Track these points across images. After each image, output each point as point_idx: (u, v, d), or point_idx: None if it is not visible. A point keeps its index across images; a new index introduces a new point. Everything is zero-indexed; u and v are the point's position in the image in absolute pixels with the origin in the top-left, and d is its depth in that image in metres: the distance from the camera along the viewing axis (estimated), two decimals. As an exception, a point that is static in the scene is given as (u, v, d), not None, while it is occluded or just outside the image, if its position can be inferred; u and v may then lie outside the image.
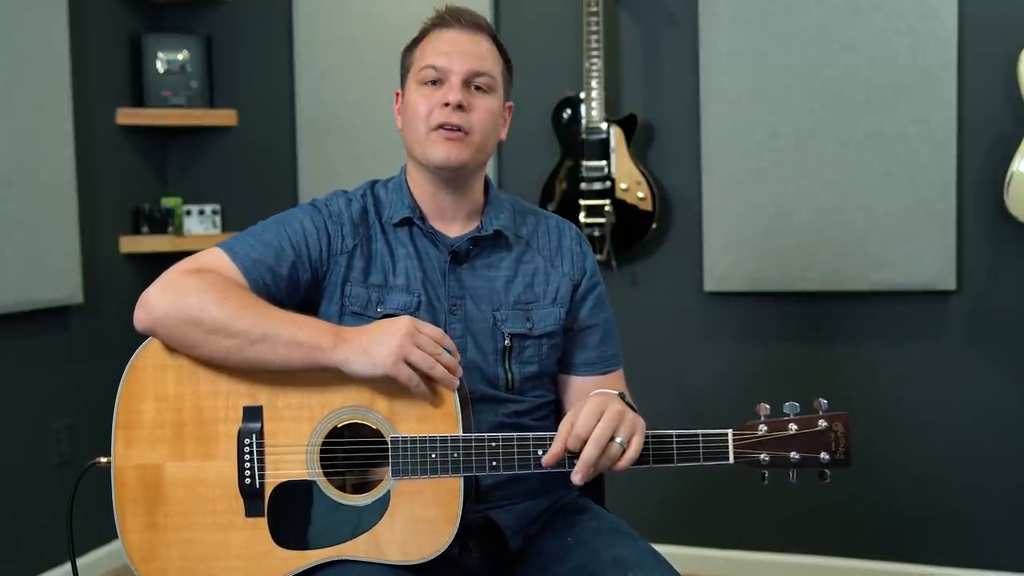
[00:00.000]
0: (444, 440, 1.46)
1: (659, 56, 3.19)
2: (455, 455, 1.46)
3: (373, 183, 1.76)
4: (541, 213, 1.82)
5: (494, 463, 1.46)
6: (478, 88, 1.66)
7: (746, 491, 3.04)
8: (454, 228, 1.71)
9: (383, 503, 1.48)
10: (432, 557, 1.47)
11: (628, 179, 3.11)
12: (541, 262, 1.74)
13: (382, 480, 1.50)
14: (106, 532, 2.72)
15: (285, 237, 1.63)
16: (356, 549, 1.48)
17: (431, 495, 1.47)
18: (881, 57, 2.93)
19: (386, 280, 1.65)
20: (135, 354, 1.54)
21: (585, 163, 3.11)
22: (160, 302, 1.50)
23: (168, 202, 3.59)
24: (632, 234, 3.14)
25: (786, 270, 3.05)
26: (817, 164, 3.00)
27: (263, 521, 1.50)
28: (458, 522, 1.47)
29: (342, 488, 1.51)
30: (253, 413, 1.51)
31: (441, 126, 1.63)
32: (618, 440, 1.43)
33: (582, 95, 3.11)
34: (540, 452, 1.47)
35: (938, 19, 2.88)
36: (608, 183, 3.11)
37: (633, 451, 1.44)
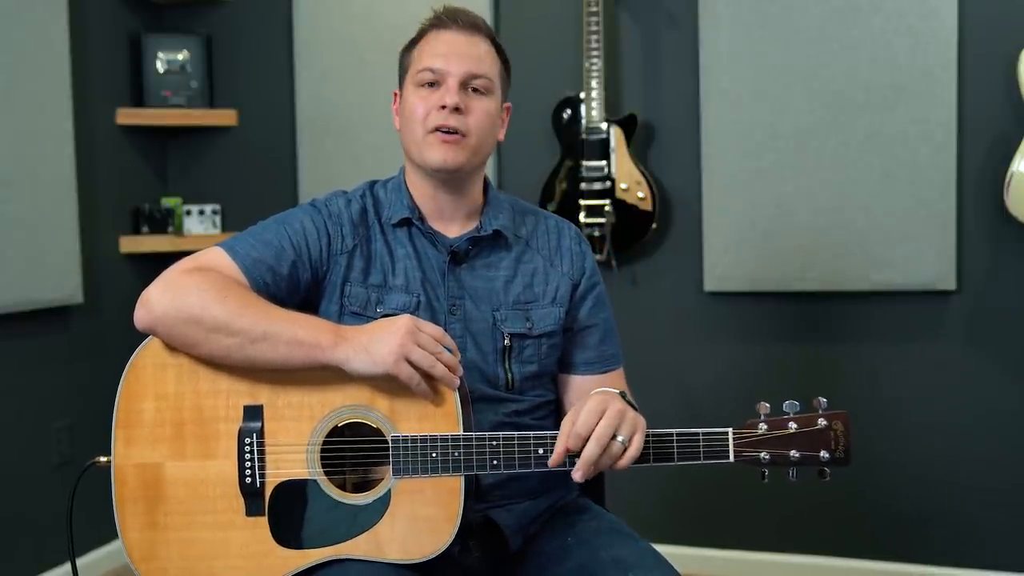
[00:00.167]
0: (445, 439, 1.47)
1: (659, 56, 3.19)
2: (456, 454, 1.46)
3: (372, 183, 1.76)
4: (540, 213, 1.82)
5: (495, 462, 1.47)
6: (475, 90, 1.66)
7: (746, 491, 3.04)
8: (453, 228, 1.71)
9: (384, 502, 1.48)
10: (432, 556, 1.47)
11: (628, 179, 3.11)
12: (540, 262, 1.74)
13: (383, 479, 1.50)
14: (106, 532, 2.72)
15: (285, 237, 1.63)
16: (356, 548, 1.48)
17: (432, 494, 1.47)
18: (881, 57, 2.93)
19: (385, 280, 1.66)
20: (135, 353, 1.54)
21: (585, 163, 3.11)
22: (160, 301, 1.50)
23: (168, 202, 3.59)
24: (632, 234, 3.14)
25: (786, 270, 3.05)
26: (817, 164, 3.00)
27: (263, 520, 1.50)
28: (459, 521, 1.47)
29: (342, 487, 1.51)
30: (253, 412, 1.51)
31: (438, 129, 1.63)
32: (619, 438, 1.43)
33: (582, 95, 3.11)
34: (541, 451, 1.47)
35: (938, 19, 2.88)
36: (608, 183, 3.11)
37: (634, 450, 1.44)
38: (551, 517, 1.70)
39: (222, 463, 1.51)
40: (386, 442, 1.48)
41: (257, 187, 3.59)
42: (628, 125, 3.11)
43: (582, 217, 3.10)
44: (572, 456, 1.45)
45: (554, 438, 1.46)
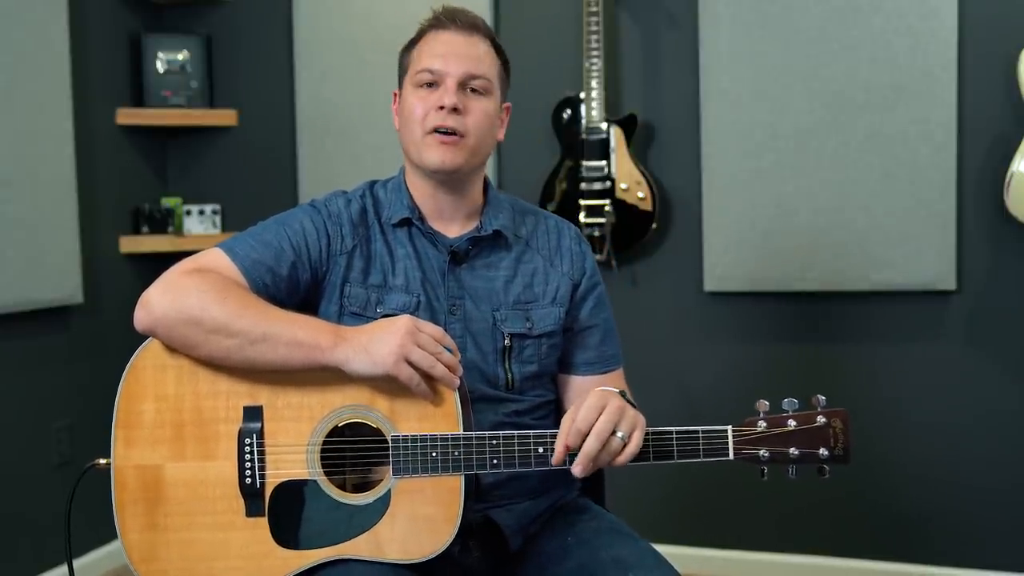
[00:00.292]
0: (445, 439, 1.47)
1: (659, 56, 3.19)
2: (456, 454, 1.46)
3: (372, 183, 1.76)
4: (540, 213, 1.82)
5: (495, 461, 1.47)
6: (474, 90, 1.66)
7: (746, 491, 3.04)
8: (453, 228, 1.72)
9: (384, 502, 1.48)
10: (433, 556, 1.47)
11: (628, 179, 3.11)
12: (540, 262, 1.74)
13: (383, 479, 1.50)
14: (106, 532, 2.71)
15: (285, 237, 1.63)
16: (357, 548, 1.48)
17: (432, 494, 1.47)
18: (881, 57, 2.93)
19: (385, 280, 1.66)
20: (135, 354, 1.54)
21: (585, 163, 3.11)
22: (160, 302, 1.50)
23: (168, 202, 3.59)
24: (632, 234, 3.14)
25: (786, 270, 3.05)
26: (817, 164, 3.00)
27: (263, 521, 1.50)
28: (459, 521, 1.47)
29: (343, 487, 1.51)
30: (253, 413, 1.51)
31: (436, 130, 1.63)
32: (619, 434, 1.43)
33: (582, 95, 3.11)
34: (541, 450, 1.47)
35: (938, 19, 2.88)
36: (608, 183, 3.11)
37: (634, 446, 1.44)
38: (551, 517, 1.70)
39: (222, 464, 1.51)
40: (386, 442, 1.48)
41: (257, 187, 3.59)
42: (628, 125, 3.11)
43: (582, 217, 3.10)
44: (572, 453, 1.45)
45: (554, 437, 1.46)
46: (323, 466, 1.50)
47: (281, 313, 1.51)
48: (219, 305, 1.48)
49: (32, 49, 3.00)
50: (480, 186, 1.75)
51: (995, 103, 2.87)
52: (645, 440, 1.46)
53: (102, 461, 1.57)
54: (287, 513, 1.50)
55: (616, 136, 3.10)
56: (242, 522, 1.50)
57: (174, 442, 1.52)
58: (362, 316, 1.63)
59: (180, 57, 3.52)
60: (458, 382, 1.48)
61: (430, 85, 1.65)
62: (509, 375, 1.66)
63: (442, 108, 1.62)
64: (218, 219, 3.61)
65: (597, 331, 1.77)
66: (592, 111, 3.08)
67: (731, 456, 1.48)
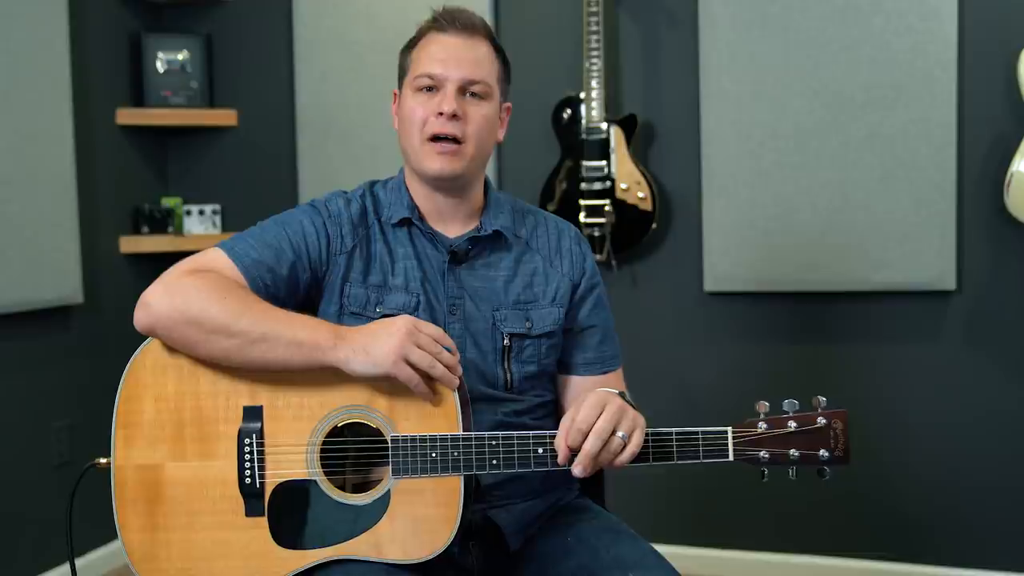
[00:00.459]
0: (444, 439, 1.46)
1: (659, 56, 3.19)
2: (455, 454, 1.46)
3: (372, 183, 1.76)
4: (540, 213, 1.82)
5: (494, 462, 1.46)
6: (473, 95, 1.65)
7: (746, 491, 3.04)
8: (453, 228, 1.71)
9: (383, 502, 1.48)
10: (432, 556, 1.47)
11: (628, 179, 3.11)
12: (540, 262, 1.74)
13: (382, 479, 1.50)
14: (106, 532, 2.72)
15: (285, 237, 1.63)
16: (356, 548, 1.48)
17: (431, 494, 1.47)
18: (881, 57, 2.93)
19: (385, 280, 1.66)
20: (135, 354, 1.54)
21: (585, 163, 3.11)
22: (160, 302, 1.50)
23: (168, 202, 3.59)
24: (632, 234, 3.14)
25: (786, 270, 3.05)
26: (817, 164, 3.00)
27: (263, 521, 1.50)
28: (458, 521, 1.47)
29: (342, 487, 1.51)
30: (253, 413, 1.51)
31: (435, 136, 1.63)
32: (619, 434, 1.43)
33: (582, 95, 3.11)
34: (540, 450, 1.47)
35: (938, 19, 2.88)
36: (608, 183, 3.11)
37: (634, 446, 1.44)
38: (551, 517, 1.70)
39: (222, 464, 1.51)
40: (386, 442, 1.48)
41: (257, 187, 3.59)
42: (628, 125, 3.11)
43: (582, 217, 3.10)
44: (572, 453, 1.45)
45: (554, 437, 1.46)
46: (323, 466, 1.50)
47: (281, 313, 1.51)
48: (219, 305, 1.48)
49: (32, 49, 3.01)
50: (480, 188, 1.75)
51: (995, 103, 2.87)
52: (645, 441, 1.46)
53: (102, 461, 1.57)
54: (287, 513, 1.50)
55: (616, 136, 3.10)
56: (242, 522, 1.50)
57: (174, 442, 1.52)
58: (362, 316, 1.63)
59: (180, 57, 3.52)
60: (457, 382, 1.48)
61: (429, 89, 1.65)
62: (508, 375, 1.66)
63: (441, 114, 1.62)
64: (218, 219, 3.61)
65: (596, 332, 1.77)
66: (592, 111, 3.08)
67: (731, 457, 1.48)
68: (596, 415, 1.43)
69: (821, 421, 1.47)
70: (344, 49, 3.43)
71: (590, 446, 1.42)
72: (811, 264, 3.02)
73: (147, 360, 1.53)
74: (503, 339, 1.67)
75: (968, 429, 2.97)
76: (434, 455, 1.46)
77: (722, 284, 3.13)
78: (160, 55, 3.51)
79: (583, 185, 3.11)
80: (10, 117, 2.93)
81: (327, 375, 1.48)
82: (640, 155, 3.18)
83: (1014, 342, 2.92)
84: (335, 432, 1.51)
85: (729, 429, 1.48)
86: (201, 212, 3.59)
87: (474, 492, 1.51)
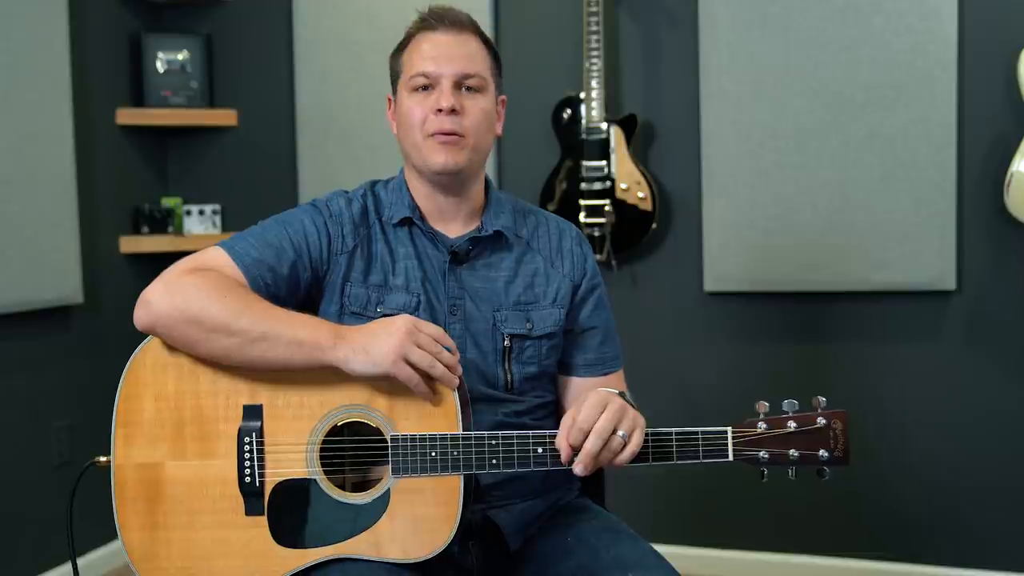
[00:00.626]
0: (444, 438, 1.46)
1: (659, 56, 3.19)
2: (455, 453, 1.46)
3: (373, 183, 1.76)
4: (541, 213, 1.82)
5: (494, 461, 1.46)
6: (469, 89, 1.66)
7: (746, 491, 3.04)
8: (454, 228, 1.72)
9: (383, 502, 1.48)
10: (432, 555, 1.47)
11: (628, 179, 3.11)
12: (541, 263, 1.74)
13: (382, 479, 1.50)
14: (106, 532, 2.72)
15: (286, 237, 1.63)
16: (356, 547, 1.48)
17: (431, 494, 1.47)
18: (881, 57, 2.93)
19: (386, 280, 1.66)
20: (135, 352, 1.54)
21: (585, 163, 3.11)
22: (160, 301, 1.50)
23: (168, 202, 3.59)
24: (632, 234, 3.14)
25: (786, 270, 3.05)
26: (817, 164, 3.00)
27: (263, 520, 1.50)
28: (458, 521, 1.47)
29: (342, 487, 1.51)
30: (253, 412, 1.51)
31: (436, 133, 1.63)
32: (620, 433, 1.43)
33: (582, 95, 3.11)
34: (540, 450, 1.47)
35: (938, 19, 2.88)
36: (608, 183, 3.11)
37: (634, 445, 1.44)
38: (551, 517, 1.70)
39: (222, 463, 1.51)
40: (385, 441, 1.48)
41: (257, 187, 3.59)
42: (628, 125, 3.11)
43: (582, 217, 3.10)
44: (573, 452, 1.45)
45: (554, 437, 1.46)
46: (322, 465, 1.50)
47: (281, 312, 1.51)
48: (219, 304, 1.48)
49: (32, 49, 3.01)
50: (481, 186, 1.75)
51: (995, 103, 2.87)
52: (645, 441, 1.46)
53: (102, 459, 1.57)
54: (286, 512, 1.50)
55: (616, 136, 3.10)
56: (242, 521, 1.50)
57: (174, 441, 1.52)
58: (362, 316, 1.63)
59: (180, 57, 3.52)
60: (457, 382, 1.48)
61: (425, 88, 1.66)
62: (509, 376, 1.66)
63: (440, 111, 1.63)
64: (218, 219, 3.61)
65: (597, 332, 1.77)
66: (592, 111, 3.08)
67: (730, 458, 1.48)
68: (597, 414, 1.43)
69: (821, 421, 1.47)
70: (344, 49, 3.43)
71: (591, 445, 1.42)
72: (811, 264, 3.02)
73: (147, 359, 1.54)
74: (503, 340, 1.67)
75: (968, 429, 2.97)
76: (434, 454, 1.46)
77: (722, 284, 3.13)
78: (160, 55, 3.51)
79: (583, 185, 3.11)
80: (10, 117, 2.93)
81: (327, 374, 1.48)
82: (640, 155, 3.18)
83: (1014, 342, 2.92)
84: (335, 431, 1.51)
85: (729, 429, 1.48)
86: (201, 212, 3.59)
87: (474, 492, 1.51)
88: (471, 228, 1.71)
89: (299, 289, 1.63)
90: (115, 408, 1.53)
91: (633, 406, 1.52)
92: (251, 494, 1.50)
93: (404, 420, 1.48)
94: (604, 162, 3.10)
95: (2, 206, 2.90)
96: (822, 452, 1.47)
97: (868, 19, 2.94)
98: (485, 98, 1.68)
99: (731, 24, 3.06)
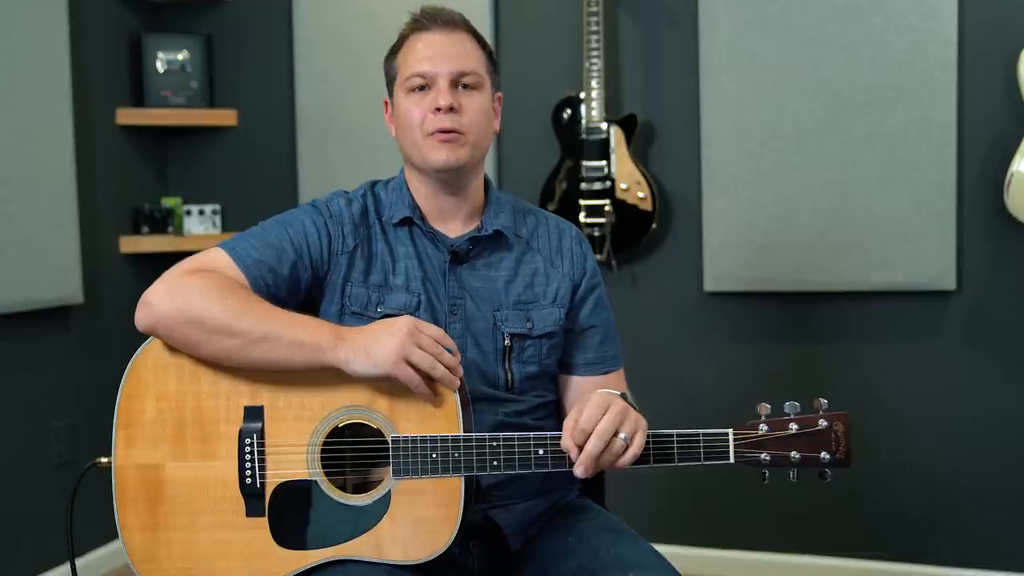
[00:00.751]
0: (445, 440, 1.46)
1: (659, 56, 3.19)
2: (456, 455, 1.46)
3: (373, 183, 1.77)
4: (541, 213, 1.82)
5: (495, 463, 1.46)
6: (465, 86, 1.66)
7: (746, 491, 3.04)
8: (454, 228, 1.72)
9: (384, 503, 1.48)
10: (433, 557, 1.47)
11: (628, 179, 3.11)
12: (541, 262, 1.74)
13: (383, 480, 1.50)
14: (106, 532, 2.72)
15: (286, 237, 1.63)
16: (357, 549, 1.48)
17: (432, 495, 1.47)
18: (881, 57, 2.93)
19: (386, 280, 1.66)
20: (136, 353, 1.54)
21: (585, 163, 3.11)
22: (162, 302, 1.50)
23: (168, 202, 3.59)
24: (632, 234, 3.14)
25: (786, 270, 3.05)
26: (817, 164, 3.00)
27: (264, 521, 1.50)
28: (459, 522, 1.47)
29: (343, 488, 1.51)
30: (254, 413, 1.51)
31: (435, 131, 1.63)
32: (622, 436, 1.43)
33: (582, 95, 3.11)
34: (541, 451, 1.47)
35: (938, 19, 2.88)
36: (608, 183, 3.11)
37: (636, 447, 1.44)
38: (552, 517, 1.70)
39: (223, 464, 1.51)
40: (386, 443, 1.48)
41: (257, 187, 3.59)
42: (628, 125, 3.11)
43: (582, 217, 3.10)
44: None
45: (555, 439, 1.46)
46: (323, 467, 1.50)
47: (282, 313, 1.51)
48: (220, 305, 1.48)
49: (32, 49, 3.00)
50: (481, 185, 1.75)
51: (995, 103, 2.87)
52: (646, 443, 1.46)
53: (103, 460, 1.57)
54: (287, 513, 1.50)
55: (616, 136, 3.10)
56: (242, 522, 1.50)
57: (175, 441, 1.52)
58: (363, 316, 1.63)
59: (180, 57, 3.52)
60: (458, 383, 1.48)
61: (422, 88, 1.66)
62: (509, 375, 1.67)
63: (438, 110, 1.63)
64: (218, 219, 3.61)
65: (597, 332, 1.77)
66: (592, 111, 3.08)
67: (732, 460, 1.48)
68: (599, 416, 1.43)
69: (822, 423, 1.47)
70: (344, 49, 3.43)
71: (592, 447, 1.42)
72: (811, 264, 3.02)
73: (148, 359, 1.53)
74: (504, 339, 1.67)
75: (968, 429, 2.97)
76: (435, 456, 1.46)
77: (722, 284, 3.13)
78: (160, 55, 3.50)
79: (583, 185, 3.11)
80: (10, 117, 2.93)
81: (328, 375, 1.48)
82: (640, 155, 3.18)
83: (1014, 342, 2.92)
84: (336, 432, 1.51)
85: (730, 431, 1.48)
86: (201, 212, 3.59)
87: (475, 492, 1.51)
88: (471, 228, 1.72)
89: (300, 289, 1.63)
90: (116, 409, 1.53)
91: (635, 408, 1.52)
92: (252, 495, 1.50)
93: (405, 421, 1.48)
94: (604, 162, 3.10)
95: (2, 206, 2.90)
96: (823, 454, 1.47)
97: (868, 19, 2.94)
98: (482, 95, 1.68)
99: (731, 24, 3.06)
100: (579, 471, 1.43)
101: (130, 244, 3.46)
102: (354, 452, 1.52)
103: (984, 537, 2.97)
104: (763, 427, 1.48)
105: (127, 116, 3.46)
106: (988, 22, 2.87)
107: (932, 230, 2.91)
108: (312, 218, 1.66)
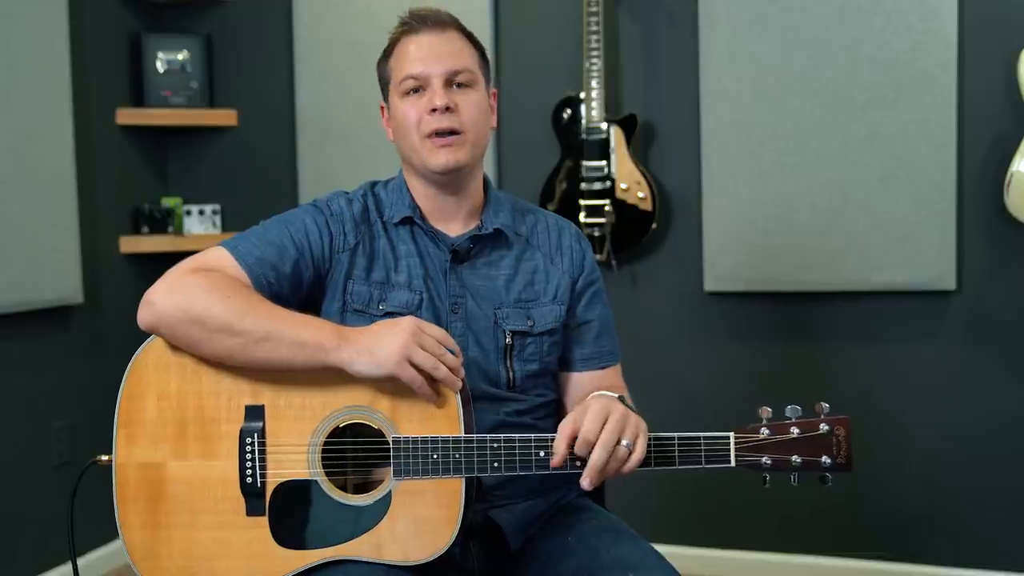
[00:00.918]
0: (446, 441, 1.47)
1: (659, 56, 3.19)
2: (457, 456, 1.46)
3: (373, 184, 1.77)
4: (540, 211, 1.83)
5: (495, 464, 1.47)
6: (460, 85, 1.66)
7: (746, 492, 3.04)
8: (454, 227, 1.72)
9: (384, 503, 1.48)
10: (433, 558, 1.47)
11: (628, 179, 3.11)
12: (541, 260, 1.74)
13: (383, 480, 1.50)
14: (107, 531, 2.72)
15: (288, 235, 1.63)
16: (357, 549, 1.48)
17: (432, 496, 1.47)
18: (881, 57, 2.93)
19: (388, 277, 1.66)
20: (137, 352, 1.54)
21: (585, 163, 3.11)
22: (164, 300, 1.50)
23: (168, 202, 3.59)
24: (632, 234, 3.14)
25: (786, 270, 3.05)
26: (817, 164, 3.00)
27: (264, 520, 1.50)
28: (459, 523, 1.47)
29: (343, 488, 1.51)
30: (255, 412, 1.51)
31: (433, 133, 1.63)
32: (624, 443, 1.43)
33: (582, 95, 3.11)
34: (542, 453, 1.47)
35: (938, 19, 2.88)
36: (608, 183, 3.11)
37: (639, 454, 1.44)
38: (552, 517, 1.70)
39: (223, 463, 1.51)
40: (387, 443, 1.48)
41: (257, 187, 3.59)
42: (628, 125, 3.11)
43: (582, 217, 3.10)
44: (573, 459, 1.45)
45: (555, 441, 1.46)
46: (324, 467, 1.50)
47: (285, 313, 1.51)
48: (223, 304, 1.48)
49: (32, 49, 3.00)
50: (480, 184, 1.75)
51: (995, 103, 2.87)
52: (647, 447, 1.46)
53: (104, 457, 1.57)
54: (287, 513, 1.50)
55: (616, 136, 3.10)
56: (243, 521, 1.50)
57: (176, 440, 1.52)
58: (365, 313, 1.63)
59: (180, 57, 3.52)
60: (460, 384, 1.48)
61: (416, 90, 1.66)
62: (510, 373, 1.67)
63: (434, 111, 1.63)
64: (218, 219, 3.61)
65: (594, 326, 1.77)
66: (592, 111, 3.08)
67: (733, 463, 1.48)
68: (600, 425, 1.43)
69: (824, 427, 1.47)
70: (344, 49, 3.43)
71: (597, 458, 1.42)
72: (811, 264, 3.02)
73: (150, 358, 1.54)
74: (505, 337, 1.67)
75: (968, 429, 2.97)
76: (435, 457, 1.46)
77: (722, 284, 3.13)
78: (160, 55, 3.50)
79: (583, 185, 3.11)
80: (10, 117, 2.93)
81: (330, 375, 1.48)
82: (640, 155, 3.18)
83: (1014, 342, 2.92)
84: (337, 432, 1.51)
85: (731, 434, 1.48)
86: (201, 212, 3.59)
87: (475, 494, 1.51)
88: (471, 227, 1.72)
89: (302, 287, 1.64)
90: (117, 407, 1.53)
91: (633, 409, 1.52)
92: (252, 495, 1.50)
93: (406, 422, 1.49)
94: (604, 162, 3.10)
95: (2, 206, 2.90)
96: (824, 458, 1.47)
97: (868, 19, 2.94)
98: (477, 92, 1.68)
99: (731, 24, 3.06)
100: (585, 483, 1.43)
101: (130, 244, 3.46)
102: (355, 452, 1.52)
103: (984, 537, 2.97)
104: (764, 431, 1.48)
105: (127, 116, 3.46)
106: (988, 22, 2.87)
107: (932, 230, 2.91)
108: (313, 216, 1.67)
